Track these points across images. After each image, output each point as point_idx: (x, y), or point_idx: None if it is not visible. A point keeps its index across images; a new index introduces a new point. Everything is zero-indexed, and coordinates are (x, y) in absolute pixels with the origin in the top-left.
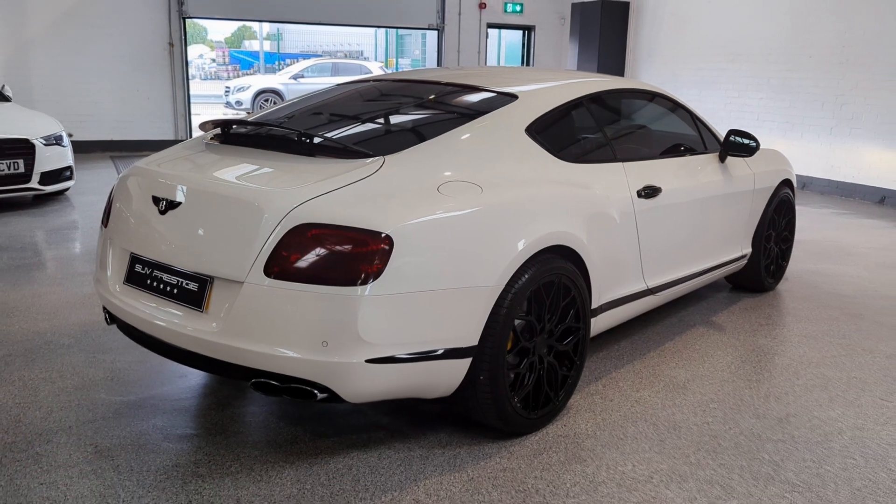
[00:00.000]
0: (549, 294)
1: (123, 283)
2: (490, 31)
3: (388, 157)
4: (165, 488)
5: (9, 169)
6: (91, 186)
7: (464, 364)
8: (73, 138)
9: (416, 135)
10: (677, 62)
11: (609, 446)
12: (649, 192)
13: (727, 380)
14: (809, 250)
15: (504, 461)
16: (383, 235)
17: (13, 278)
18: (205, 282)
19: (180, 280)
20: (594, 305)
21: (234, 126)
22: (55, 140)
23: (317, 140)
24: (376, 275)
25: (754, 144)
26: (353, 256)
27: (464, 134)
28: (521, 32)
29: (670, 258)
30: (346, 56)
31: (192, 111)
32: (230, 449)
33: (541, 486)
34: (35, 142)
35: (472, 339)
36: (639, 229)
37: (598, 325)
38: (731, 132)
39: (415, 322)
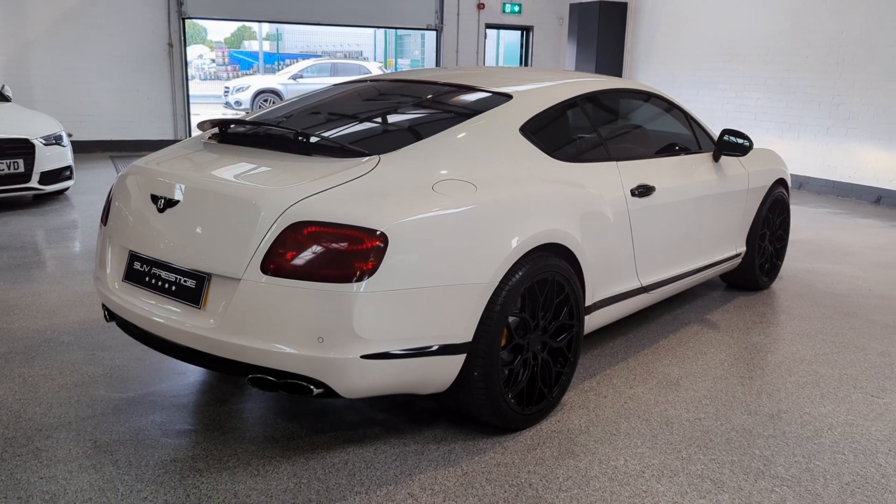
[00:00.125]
0: (542, 291)
1: (122, 280)
2: (488, 31)
3: (384, 156)
4: (164, 482)
5: (9, 168)
6: (91, 186)
7: (458, 360)
8: (73, 138)
9: (411, 134)
10: (675, 62)
11: (602, 442)
12: (643, 190)
13: (720, 377)
14: (805, 249)
15: (498, 456)
16: (378, 233)
17: (13, 277)
18: (202, 279)
19: (178, 277)
20: (588, 303)
21: (231, 125)
22: (55, 140)
23: (313, 139)
24: (371, 272)
25: (748, 144)
26: (348, 254)
27: (458, 133)
28: (519, 33)
29: (664, 256)
30: (345, 56)
31: (192, 111)
32: (228, 444)
33: (534, 481)
34: (35, 142)
35: (466, 335)
36: (632, 228)
37: (593, 322)
38: (725, 132)
39: (409, 318)
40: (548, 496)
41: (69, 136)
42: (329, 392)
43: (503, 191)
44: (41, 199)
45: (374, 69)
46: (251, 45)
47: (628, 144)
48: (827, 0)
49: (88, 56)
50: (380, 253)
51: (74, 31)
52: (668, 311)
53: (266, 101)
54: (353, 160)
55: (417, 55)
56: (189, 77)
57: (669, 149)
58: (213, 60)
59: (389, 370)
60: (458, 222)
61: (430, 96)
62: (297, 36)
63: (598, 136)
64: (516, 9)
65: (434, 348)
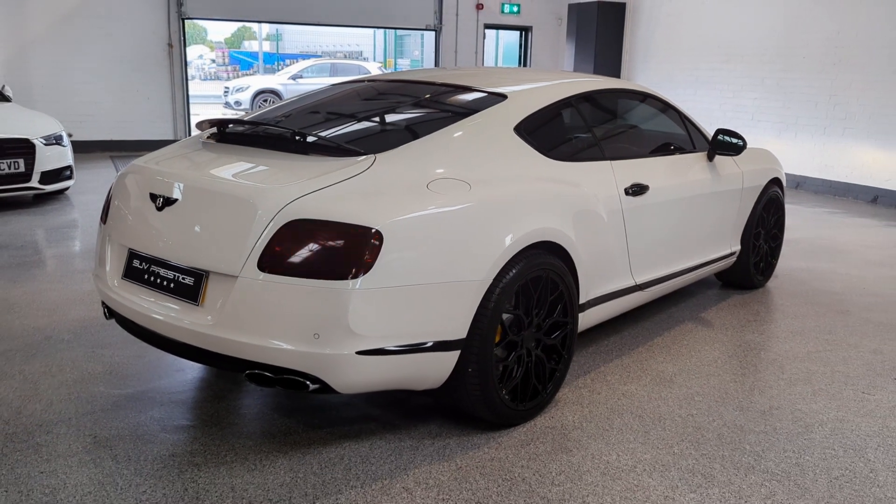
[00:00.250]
0: (536, 289)
1: (122, 278)
2: (487, 31)
3: (379, 155)
4: (162, 477)
5: (9, 168)
6: (91, 186)
7: (452, 356)
8: (73, 138)
9: (407, 133)
10: (673, 62)
11: (595, 437)
12: (637, 189)
13: (713, 374)
14: (801, 248)
15: (492, 451)
16: (373, 231)
17: (14, 275)
18: (200, 276)
19: (177, 275)
20: (582, 300)
21: (229, 125)
22: (55, 140)
23: (310, 139)
24: (367, 269)
25: (741, 143)
26: (344, 251)
27: (453, 133)
28: (518, 33)
29: (658, 255)
30: (345, 57)
31: (192, 111)
32: (225, 439)
33: (527, 475)
34: (35, 141)
35: (460, 332)
36: (626, 226)
37: (587, 319)
38: (719, 131)
39: (404, 315)
40: (541, 490)
41: (69, 135)
42: (325, 388)
43: (497, 189)
44: (41, 199)
45: (374, 69)
46: (251, 46)
47: (622, 144)
48: (824, 1)
49: (88, 56)
50: (375, 250)
51: (74, 30)
52: (663, 309)
53: (266, 101)
54: (349, 159)
55: (417, 55)
56: (189, 77)
57: (664, 148)
58: (214, 60)
59: (384, 366)
60: (452, 220)
61: (425, 96)
62: (296, 36)
63: (592, 135)
64: (515, 9)
65: (429, 345)
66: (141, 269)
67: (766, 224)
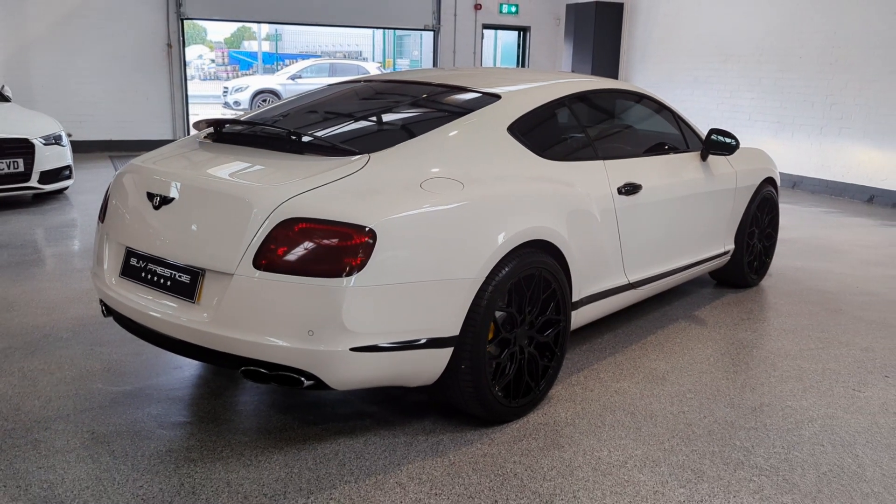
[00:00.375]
0: (529, 287)
1: (119, 276)
2: (485, 31)
3: (374, 155)
4: (159, 472)
5: (9, 168)
6: (90, 185)
7: (445, 353)
8: (73, 138)
9: (401, 133)
10: (670, 63)
11: (587, 433)
12: (630, 189)
13: (705, 371)
14: (796, 248)
15: (485, 447)
16: (367, 229)
17: (13, 274)
18: (197, 274)
19: (173, 273)
20: (575, 299)
21: (226, 125)
22: (54, 140)
23: (305, 138)
24: (360, 267)
25: (734, 143)
26: (338, 249)
27: (447, 132)
28: (516, 33)
29: (651, 254)
30: (344, 57)
31: (191, 111)
32: (222, 435)
33: (519, 471)
34: (35, 141)
35: (453, 329)
36: (619, 225)
37: (580, 317)
38: (713, 131)
39: (397, 312)
40: (532, 485)
41: (69, 135)
42: (319, 384)
43: (490, 188)
44: (41, 199)
45: (373, 69)
46: (251, 46)
47: (616, 144)
48: (820, 1)
49: (88, 56)
50: (368, 249)
51: (74, 30)
52: (657, 307)
53: (265, 101)
54: (344, 159)
55: (416, 55)
56: (188, 77)
57: (657, 148)
58: (213, 60)
59: (378, 363)
60: (445, 219)
61: (420, 97)
62: (296, 36)
63: (585, 135)
64: (513, 9)
65: (422, 342)
66: (138, 268)
67: (760, 223)
